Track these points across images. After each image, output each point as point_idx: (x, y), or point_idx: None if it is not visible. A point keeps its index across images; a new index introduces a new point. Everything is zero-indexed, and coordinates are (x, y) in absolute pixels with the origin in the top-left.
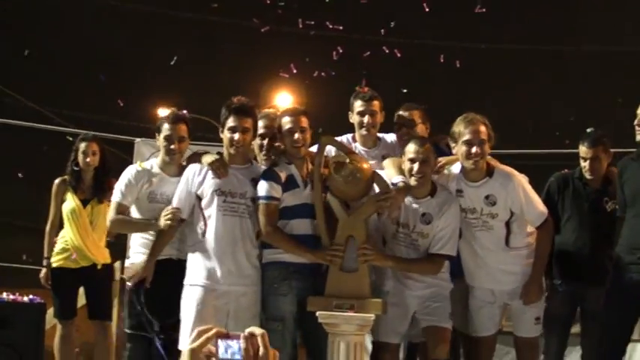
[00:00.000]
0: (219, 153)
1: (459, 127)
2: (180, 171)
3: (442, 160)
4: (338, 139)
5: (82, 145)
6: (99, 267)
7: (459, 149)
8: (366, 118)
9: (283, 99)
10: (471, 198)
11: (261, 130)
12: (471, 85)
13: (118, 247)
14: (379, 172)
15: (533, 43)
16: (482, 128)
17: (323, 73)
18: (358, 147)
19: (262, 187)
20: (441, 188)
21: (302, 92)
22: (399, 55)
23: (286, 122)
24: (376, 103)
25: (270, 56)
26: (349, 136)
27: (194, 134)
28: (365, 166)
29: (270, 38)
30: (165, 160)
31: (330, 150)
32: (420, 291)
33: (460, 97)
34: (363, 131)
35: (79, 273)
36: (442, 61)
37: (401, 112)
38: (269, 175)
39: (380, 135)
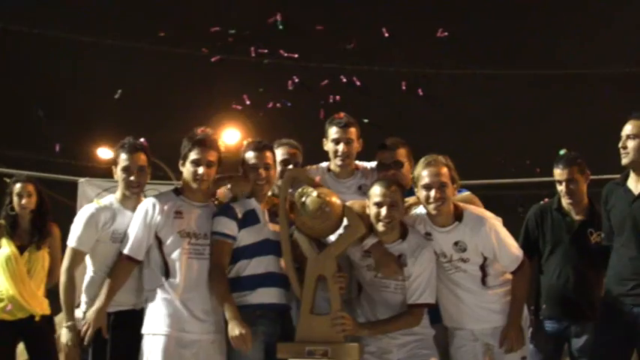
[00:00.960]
0: (176, 190)
1: (418, 169)
2: (138, 203)
3: (409, 200)
4: (313, 167)
5: (17, 187)
6: (37, 319)
7: (419, 193)
8: (340, 147)
9: (230, 135)
10: (440, 243)
11: (284, 157)
12: (435, 113)
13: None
14: (351, 203)
15: (497, 67)
16: (443, 170)
17: (278, 104)
18: (331, 178)
19: (216, 223)
20: (411, 231)
21: (256, 124)
22: (358, 83)
23: (250, 157)
24: (352, 131)
25: (222, 87)
26: (324, 165)
27: None
28: (333, 199)
29: (222, 68)
30: (126, 194)
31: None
32: (402, 338)
33: (424, 126)
34: (338, 161)
35: (16, 326)
36: (404, 88)
37: (385, 153)
38: (224, 211)
39: (358, 163)
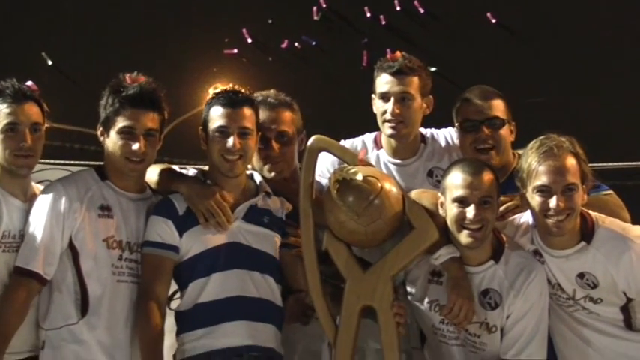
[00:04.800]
0: (98, 171)
1: (530, 159)
2: (31, 193)
3: (503, 199)
4: (345, 142)
5: None
6: None
7: (531, 198)
8: (390, 105)
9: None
10: (555, 272)
11: (270, 124)
12: (544, 59)
13: None
14: (417, 193)
15: None
16: (571, 164)
17: (296, 44)
18: (383, 156)
19: (148, 228)
20: (511, 246)
21: (261, 77)
22: (421, 10)
23: (217, 116)
24: (413, 81)
25: (207, 18)
26: (369, 138)
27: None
28: (388, 186)
29: None
30: (12, 171)
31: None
32: None
33: (525, 78)
34: (388, 128)
35: None
36: (493, 20)
37: (472, 107)
38: (157, 208)
39: (426, 132)
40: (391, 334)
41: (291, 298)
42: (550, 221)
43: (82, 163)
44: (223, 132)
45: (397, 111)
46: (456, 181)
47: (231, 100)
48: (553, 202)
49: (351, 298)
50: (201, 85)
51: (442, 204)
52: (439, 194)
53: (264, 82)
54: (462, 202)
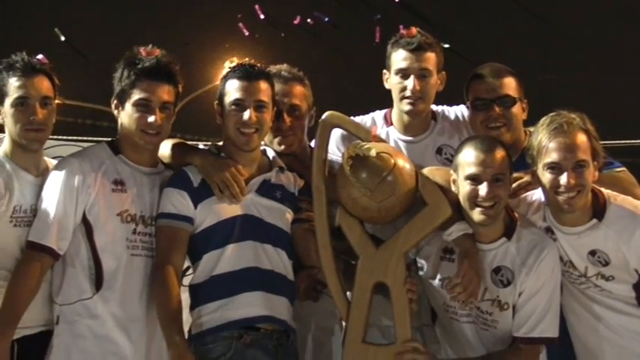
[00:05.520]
0: (111, 145)
1: (541, 136)
2: (43, 167)
3: (515, 176)
4: (358, 118)
5: None
6: None
7: (542, 175)
8: (411, 81)
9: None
10: (567, 250)
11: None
12: (563, 37)
13: None
14: (429, 170)
15: None
16: (582, 140)
17: (309, 20)
18: (393, 133)
19: (163, 200)
20: (523, 224)
21: (273, 54)
22: None
23: (234, 89)
24: (430, 57)
25: None
26: (378, 115)
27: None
28: (401, 163)
29: None
30: (23, 145)
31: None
32: None
33: (543, 57)
34: (405, 105)
35: None
36: None
37: (483, 84)
38: (173, 180)
39: (437, 109)
40: (403, 311)
41: (303, 273)
42: (561, 198)
43: (95, 139)
44: (240, 105)
45: (418, 87)
46: (468, 158)
47: (247, 74)
48: (564, 178)
49: (363, 275)
50: (213, 61)
51: (454, 181)
52: (451, 171)
53: (277, 58)
54: (474, 179)
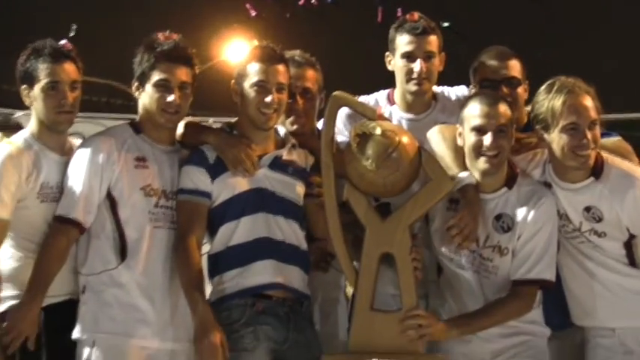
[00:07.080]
0: (133, 125)
1: (555, 100)
2: (67, 147)
3: (521, 136)
4: (361, 98)
5: None
6: None
7: (559, 137)
8: (417, 64)
9: (238, 51)
10: (564, 204)
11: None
12: (562, 16)
13: None
14: (438, 128)
15: None
16: (590, 102)
17: (313, 1)
18: (396, 112)
19: (182, 177)
20: (523, 175)
21: (279, 34)
22: None
23: (255, 71)
24: (433, 40)
25: None
26: (381, 95)
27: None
28: (405, 140)
29: None
30: (51, 127)
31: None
32: (499, 341)
33: (541, 37)
34: (412, 85)
35: None
36: None
37: (489, 62)
38: (191, 158)
39: (437, 89)
40: (408, 279)
41: (313, 245)
42: (581, 157)
43: (110, 115)
44: (262, 86)
45: (425, 69)
46: (473, 111)
47: (270, 57)
48: (583, 137)
49: (370, 246)
50: (222, 40)
51: (460, 134)
52: (457, 125)
53: (282, 37)
54: (479, 130)
